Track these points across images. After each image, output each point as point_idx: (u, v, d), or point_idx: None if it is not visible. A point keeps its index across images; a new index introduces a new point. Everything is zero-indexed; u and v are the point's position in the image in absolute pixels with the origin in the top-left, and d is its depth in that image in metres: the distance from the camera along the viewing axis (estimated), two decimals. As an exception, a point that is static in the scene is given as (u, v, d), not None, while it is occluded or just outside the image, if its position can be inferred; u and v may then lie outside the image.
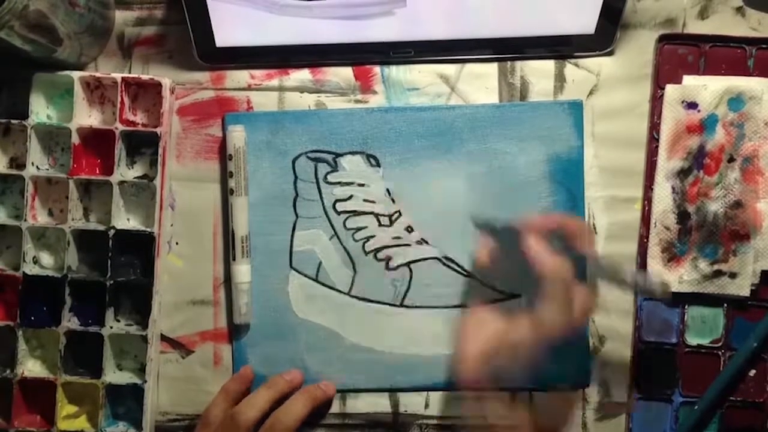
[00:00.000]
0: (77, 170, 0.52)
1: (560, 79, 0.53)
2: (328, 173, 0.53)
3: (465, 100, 0.54)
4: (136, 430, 0.52)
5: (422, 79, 0.54)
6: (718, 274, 0.51)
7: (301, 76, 0.54)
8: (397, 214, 0.53)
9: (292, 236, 0.53)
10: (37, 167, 0.53)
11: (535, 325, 0.44)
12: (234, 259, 0.52)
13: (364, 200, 0.53)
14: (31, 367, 0.53)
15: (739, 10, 0.53)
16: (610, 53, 0.53)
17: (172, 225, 0.54)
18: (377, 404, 0.53)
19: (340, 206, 0.53)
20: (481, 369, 0.45)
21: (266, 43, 0.52)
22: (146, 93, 0.54)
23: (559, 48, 0.53)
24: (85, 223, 0.53)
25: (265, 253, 0.53)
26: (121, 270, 0.53)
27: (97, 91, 0.54)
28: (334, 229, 0.53)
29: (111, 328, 0.52)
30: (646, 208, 0.52)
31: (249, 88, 0.54)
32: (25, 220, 0.52)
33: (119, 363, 0.54)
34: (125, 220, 0.53)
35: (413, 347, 0.53)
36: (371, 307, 0.53)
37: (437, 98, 0.54)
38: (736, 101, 0.51)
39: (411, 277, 0.53)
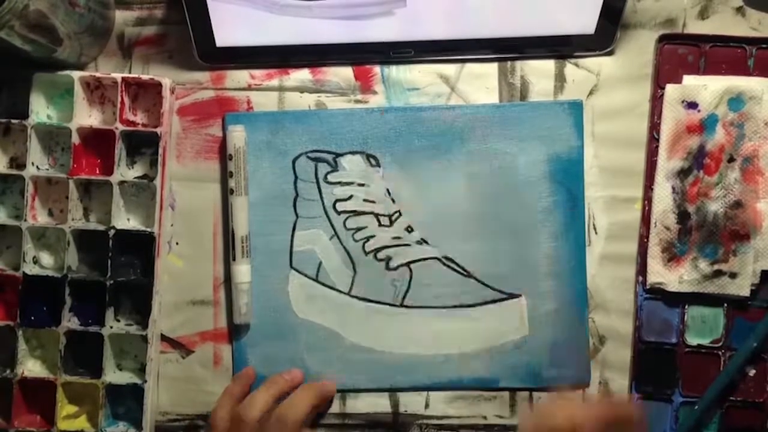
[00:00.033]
0: (77, 170, 0.52)
1: (560, 79, 0.53)
2: (328, 173, 0.53)
3: (465, 100, 0.54)
4: (136, 430, 0.52)
5: (422, 79, 0.54)
6: (718, 274, 0.51)
7: (301, 76, 0.54)
8: (397, 214, 0.53)
9: (292, 236, 0.53)
10: (37, 167, 0.53)
11: None
12: (234, 259, 0.52)
13: (364, 200, 0.53)
14: (31, 367, 0.53)
15: (739, 10, 0.53)
16: (610, 53, 0.53)
17: (172, 225, 0.54)
18: (377, 404, 0.53)
19: (340, 206, 0.53)
20: None
21: (266, 43, 0.52)
22: (146, 93, 0.54)
23: (559, 48, 0.53)
24: (85, 223, 0.53)
25: (265, 253, 0.53)
26: (121, 270, 0.53)
27: (98, 91, 0.54)
28: (334, 229, 0.53)
29: (111, 328, 0.52)
30: (646, 208, 0.52)
31: (249, 88, 0.54)
32: (25, 220, 0.52)
33: (119, 363, 0.54)
34: (125, 220, 0.53)
35: (413, 347, 0.53)
36: (371, 307, 0.53)
37: (437, 98, 0.54)
38: (736, 101, 0.51)
39: (411, 277, 0.53)
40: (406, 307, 0.53)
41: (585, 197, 0.53)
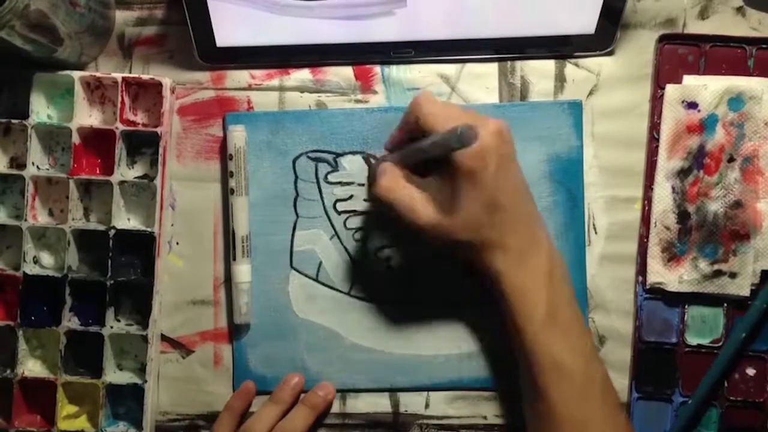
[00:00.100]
0: (77, 170, 0.52)
1: (560, 79, 0.53)
2: (328, 173, 0.53)
3: (465, 100, 0.54)
4: (137, 430, 0.52)
5: (422, 79, 0.54)
6: (718, 273, 0.51)
7: (301, 76, 0.54)
8: (397, 214, 0.53)
9: (293, 236, 0.53)
10: (37, 167, 0.53)
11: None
12: (234, 259, 0.52)
13: (365, 200, 0.53)
14: (32, 367, 0.53)
15: (739, 10, 0.53)
16: (610, 53, 0.53)
17: (172, 225, 0.54)
18: (377, 404, 0.53)
19: (340, 206, 0.53)
20: None
21: (267, 43, 0.52)
22: (147, 93, 0.54)
23: (560, 48, 0.53)
24: (85, 223, 0.53)
25: (266, 252, 0.53)
26: (122, 270, 0.53)
27: (98, 90, 0.54)
28: (334, 229, 0.53)
29: (111, 328, 0.52)
30: (646, 208, 0.53)
31: (249, 87, 0.54)
32: (26, 219, 0.52)
33: (119, 363, 0.54)
34: (125, 219, 0.53)
35: (413, 347, 0.53)
36: (371, 307, 0.53)
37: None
38: (736, 101, 0.51)
39: (411, 277, 0.53)
40: (407, 306, 0.53)
41: (585, 197, 0.53)
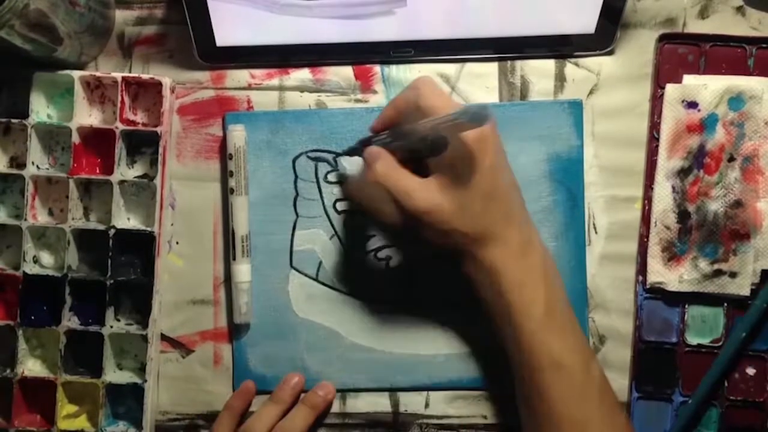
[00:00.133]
0: (77, 170, 0.52)
1: (560, 78, 0.53)
2: (328, 173, 0.53)
3: (465, 100, 0.54)
4: (137, 430, 0.52)
5: (422, 79, 0.54)
6: (718, 273, 0.51)
7: (301, 75, 0.54)
8: (397, 214, 0.53)
9: (293, 236, 0.53)
10: (37, 166, 0.53)
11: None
12: (234, 259, 0.52)
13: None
14: (31, 367, 0.53)
15: (739, 9, 0.53)
16: (611, 53, 0.53)
17: (172, 224, 0.54)
18: (377, 404, 0.53)
19: (340, 206, 0.53)
20: None
21: (266, 42, 0.52)
22: (146, 92, 0.54)
23: (560, 48, 0.53)
24: (85, 223, 0.53)
25: (266, 252, 0.53)
26: (122, 269, 0.53)
27: (98, 90, 0.54)
28: (334, 229, 0.53)
29: (111, 327, 0.52)
30: (646, 208, 0.52)
31: (249, 87, 0.54)
32: (26, 219, 0.52)
33: (119, 362, 0.54)
34: (125, 219, 0.53)
35: (413, 347, 0.53)
36: (371, 307, 0.53)
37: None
38: (736, 101, 0.51)
39: (411, 277, 0.53)
40: (407, 306, 0.53)
41: (585, 197, 0.53)
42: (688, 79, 0.52)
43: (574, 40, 0.52)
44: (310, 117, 0.53)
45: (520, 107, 0.53)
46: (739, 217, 0.51)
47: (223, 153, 0.53)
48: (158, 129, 0.52)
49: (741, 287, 0.51)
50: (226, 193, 0.53)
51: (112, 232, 0.52)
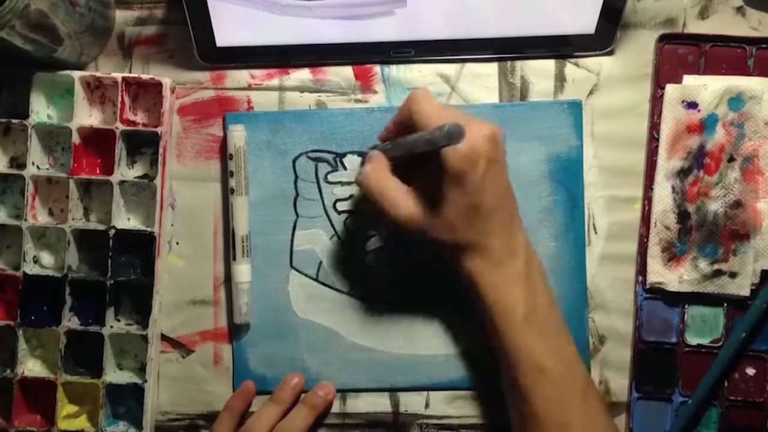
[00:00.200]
0: (77, 170, 0.52)
1: (560, 78, 0.53)
2: (328, 173, 0.53)
3: (465, 100, 0.54)
4: (137, 430, 0.52)
5: (422, 79, 0.54)
6: (718, 273, 0.51)
7: (301, 75, 0.54)
8: (397, 214, 0.53)
9: (293, 236, 0.53)
10: (37, 167, 0.53)
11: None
12: (234, 259, 0.52)
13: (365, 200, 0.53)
14: (32, 367, 0.53)
15: (739, 9, 0.53)
16: (610, 53, 0.53)
17: (172, 225, 0.54)
18: (377, 404, 0.53)
19: (340, 206, 0.53)
20: None
21: (266, 42, 0.52)
22: (147, 93, 0.54)
23: (560, 48, 0.53)
24: (85, 223, 0.53)
25: (266, 252, 0.53)
26: (122, 270, 0.53)
27: (98, 90, 0.54)
28: (334, 229, 0.53)
29: (111, 327, 0.52)
30: (646, 208, 0.53)
31: (249, 87, 0.54)
32: (26, 219, 0.52)
33: (119, 363, 0.54)
34: (126, 219, 0.53)
35: (413, 347, 0.53)
36: (371, 307, 0.53)
37: (437, 98, 0.53)
38: (736, 101, 0.51)
39: (411, 277, 0.53)
40: (407, 306, 0.53)
41: (585, 197, 0.53)
42: (688, 80, 0.52)
43: (574, 41, 0.52)
44: (310, 117, 0.53)
45: (520, 107, 0.53)
46: (738, 218, 0.51)
47: (224, 153, 0.53)
48: (158, 129, 0.52)
49: (741, 287, 0.51)
50: (227, 193, 0.53)
51: (112, 232, 0.52)
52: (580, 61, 0.53)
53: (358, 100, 0.54)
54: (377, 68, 0.54)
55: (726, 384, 0.52)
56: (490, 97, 0.54)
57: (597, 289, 0.53)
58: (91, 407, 0.53)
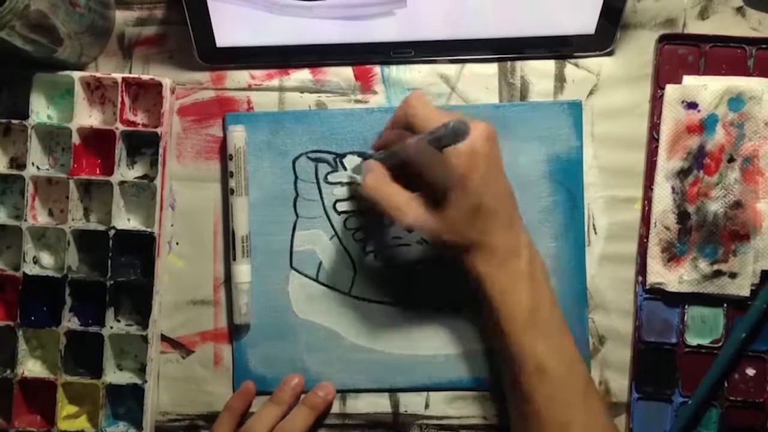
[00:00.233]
0: (77, 170, 0.52)
1: (560, 79, 0.53)
2: (328, 173, 0.53)
3: (465, 101, 0.54)
4: (137, 430, 0.52)
5: (422, 79, 0.54)
6: (718, 274, 0.51)
7: (301, 76, 0.54)
8: (397, 214, 0.53)
9: (293, 236, 0.53)
10: (37, 167, 0.53)
11: None
12: (234, 259, 0.52)
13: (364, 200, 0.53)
14: (32, 367, 0.53)
15: (739, 10, 0.53)
16: (610, 53, 0.53)
17: (172, 225, 0.54)
18: (377, 404, 0.53)
19: (340, 206, 0.53)
20: None
21: (266, 43, 0.52)
22: (147, 93, 0.54)
23: (559, 48, 0.53)
24: (85, 223, 0.53)
25: (266, 253, 0.53)
26: (122, 270, 0.53)
27: (98, 91, 0.54)
28: (334, 229, 0.53)
29: (111, 328, 0.52)
30: (646, 208, 0.53)
31: (249, 88, 0.54)
32: (26, 220, 0.52)
33: (119, 363, 0.54)
34: (125, 220, 0.53)
35: (413, 347, 0.53)
36: (371, 307, 0.53)
37: (437, 98, 0.54)
38: (736, 101, 0.51)
39: (411, 277, 0.53)
40: (407, 306, 0.53)
41: (585, 197, 0.53)
42: (688, 80, 0.52)
43: (574, 41, 0.52)
44: (310, 118, 0.53)
45: (520, 108, 0.53)
46: (738, 218, 0.51)
47: (224, 154, 0.53)
48: (158, 130, 0.52)
49: (741, 288, 0.51)
50: (227, 193, 0.53)
51: (112, 232, 0.52)
52: (580, 61, 0.53)
53: (358, 101, 0.54)
54: (377, 69, 0.54)
55: (726, 384, 0.52)
56: (490, 97, 0.54)
57: (597, 289, 0.53)
58: (91, 408, 0.53)
